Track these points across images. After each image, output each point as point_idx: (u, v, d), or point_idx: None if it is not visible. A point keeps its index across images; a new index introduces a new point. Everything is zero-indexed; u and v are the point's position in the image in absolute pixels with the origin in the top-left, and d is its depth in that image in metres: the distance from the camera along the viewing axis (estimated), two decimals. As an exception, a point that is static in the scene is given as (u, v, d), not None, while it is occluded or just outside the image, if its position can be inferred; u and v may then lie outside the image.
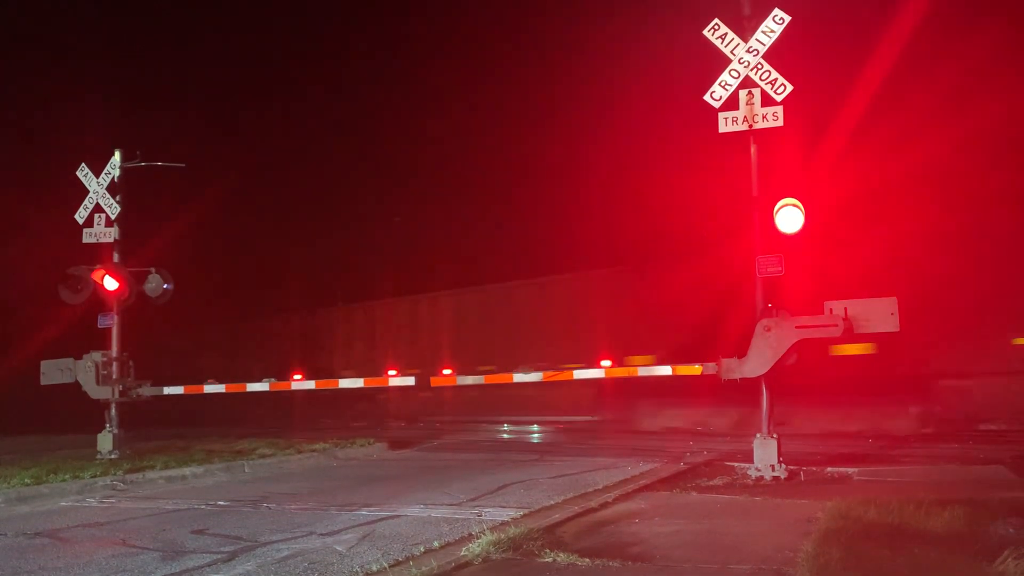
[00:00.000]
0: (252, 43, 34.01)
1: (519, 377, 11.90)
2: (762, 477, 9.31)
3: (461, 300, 25.29)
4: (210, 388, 13.42)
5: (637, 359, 13.14)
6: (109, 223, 13.43)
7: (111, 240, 13.41)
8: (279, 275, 31.62)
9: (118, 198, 13.44)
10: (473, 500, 8.66)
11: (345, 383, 13.99)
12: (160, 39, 36.42)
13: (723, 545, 5.94)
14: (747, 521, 6.92)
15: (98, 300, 13.34)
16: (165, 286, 13.52)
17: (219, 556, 6.27)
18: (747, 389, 9.74)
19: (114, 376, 13.15)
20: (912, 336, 15.62)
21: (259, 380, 13.68)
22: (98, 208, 13.44)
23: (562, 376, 11.75)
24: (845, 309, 9.13)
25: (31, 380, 13.71)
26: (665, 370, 10.77)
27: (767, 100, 9.51)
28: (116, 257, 13.40)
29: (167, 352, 23.17)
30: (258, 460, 12.63)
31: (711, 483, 9.21)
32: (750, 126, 9.56)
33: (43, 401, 16.07)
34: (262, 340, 28.37)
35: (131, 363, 13.42)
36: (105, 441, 12.97)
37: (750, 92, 9.58)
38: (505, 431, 19.64)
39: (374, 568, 5.51)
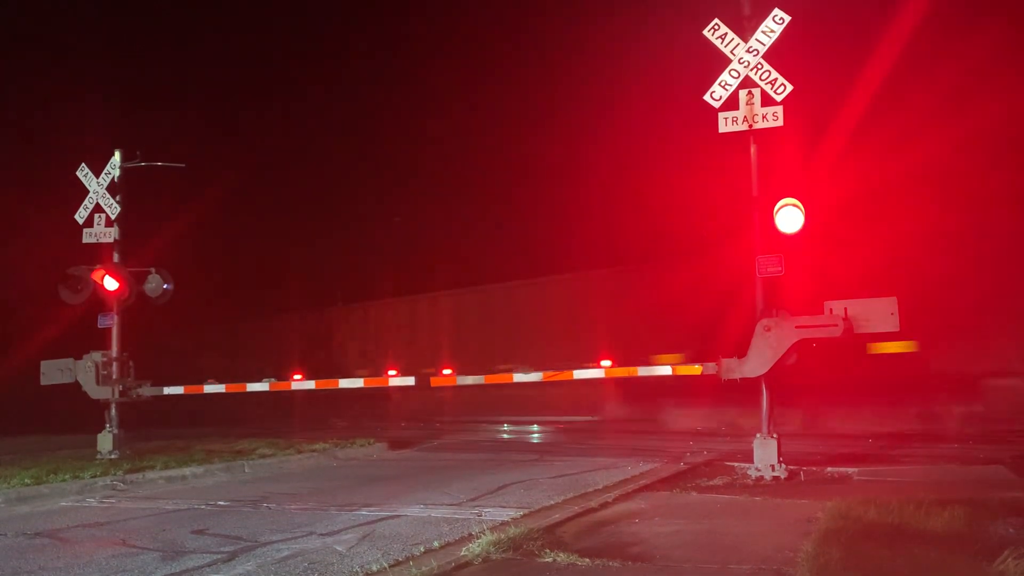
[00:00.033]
0: (252, 43, 34.07)
1: (519, 377, 11.91)
2: (762, 477, 9.31)
3: (461, 300, 25.31)
4: (210, 388, 13.42)
5: (665, 358, 13.00)
6: (109, 223, 13.43)
7: (111, 240, 13.41)
8: (279, 275, 31.67)
9: (118, 198, 13.44)
10: (473, 500, 8.66)
11: (345, 383, 13.99)
12: (160, 39, 36.42)
13: (723, 545, 5.94)
14: (747, 521, 6.92)
15: (98, 300, 13.33)
16: (165, 286, 13.53)
17: (219, 556, 6.26)
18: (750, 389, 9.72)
19: (114, 376, 13.15)
20: (957, 333, 15.62)
21: (259, 380, 13.68)
22: (98, 208, 13.44)
23: (562, 376, 11.75)
24: (845, 309, 9.13)
25: (31, 380, 13.71)
26: (665, 370, 10.78)
27: (767, 100, 9.51)
28: (116, 257, 13.40)
29: (167, 352, 23.17)
30: (258, 460, 12.63)
31: (711, 483, 9.21)
32: (750, 126, 9.56)
33: (43, 401, 16.07)
34: (262, 340, 28.39)
35: (131, 363, 13.42)
36: (105, 441, 12.97)
37: (750, 92, 9.58)
38: (505, 431, 19.64)
39: (374, 568, 5.51)
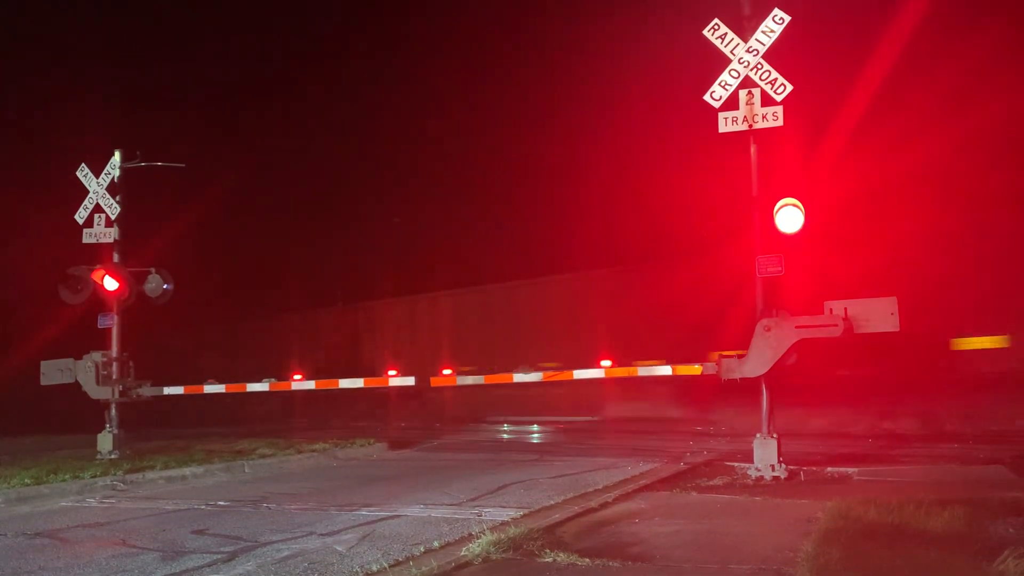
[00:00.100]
0: (252, 43, 34.05)
1: (519, 377, 11.89)
2: (762, 477, 9.31)
3: (461, 300, 25.32)
4: (210, 388, 13.41)
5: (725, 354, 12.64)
6: (109, 223, 13.43)
7: (111, 240, 13.41)
8: (279, 275, 31.67)
9: (118, 198, 13.44)
10: (473, 500, 8.66)
11: (345, 383, 13.98)
12: (160, 39, 36.43)
13: (723, 545, 5.94)
14: (747, 521, 6.93)
15: (98, 300, 13.33)
16: (165, 286, 13.52)
17: (219, 556, 6.27)
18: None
19: (114, 376, 13.15)
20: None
21: (259, 380, 13.68)
22: (98, 208, 13.44)
23: (562, 376, 11.74)
24: (845, 309, 9.13)
25: (31, 380, 13.71)
26: (665, 370, 10.77)
27: (767, 100, 9.51)
28: (116, 257, 13.40)
29: (167, 352, 23.18)
30: (258, 460, 12.63)
31: (711, 483, 9.21)
32: (750, 126, 9.56)
33: (43, 401, 16.08)
34: (262, 340, 28.39)
35: (131, 363, 13.42)
36: (105, 441, 12.97)
37: (750, 92, 9.58)
38: (505, 431, 19.64)
39: (374, 568, 5.51)
